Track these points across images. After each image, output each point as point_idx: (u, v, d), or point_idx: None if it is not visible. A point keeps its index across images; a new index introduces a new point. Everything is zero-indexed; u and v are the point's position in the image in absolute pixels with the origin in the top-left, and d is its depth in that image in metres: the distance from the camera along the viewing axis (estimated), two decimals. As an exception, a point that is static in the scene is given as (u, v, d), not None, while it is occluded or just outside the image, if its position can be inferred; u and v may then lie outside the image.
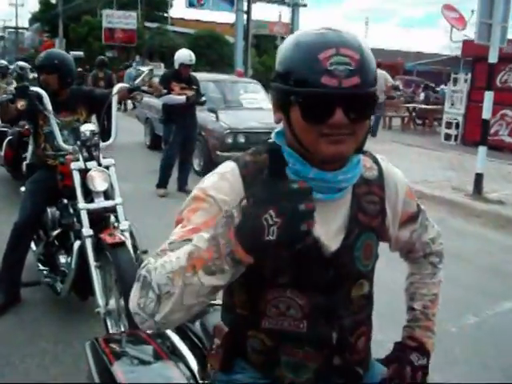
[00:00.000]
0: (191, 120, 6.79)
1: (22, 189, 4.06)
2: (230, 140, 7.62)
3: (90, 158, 2.99)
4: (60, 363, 2.99)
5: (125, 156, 7.52)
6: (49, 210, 3.33)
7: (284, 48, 1.12)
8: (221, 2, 19.57)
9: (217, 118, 7.62)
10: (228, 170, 1.19)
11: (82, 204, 2.90)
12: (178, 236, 1.11)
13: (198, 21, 37.93)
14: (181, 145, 6.75)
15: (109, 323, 2.90)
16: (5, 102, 3.11)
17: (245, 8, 19.77)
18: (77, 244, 3.06)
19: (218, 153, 7.64)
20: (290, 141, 1.15)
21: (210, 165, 7.84)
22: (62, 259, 3.31)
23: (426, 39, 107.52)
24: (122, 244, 2.73)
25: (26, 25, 56.81)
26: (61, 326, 3.39)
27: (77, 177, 2.93)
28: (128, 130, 10.12)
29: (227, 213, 0.98)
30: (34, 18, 46.27)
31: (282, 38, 33.89)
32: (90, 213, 2.91)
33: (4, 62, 12.18)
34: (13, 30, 59.34)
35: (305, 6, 30.16)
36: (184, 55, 6.72)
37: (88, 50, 32.48)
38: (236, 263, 0.96)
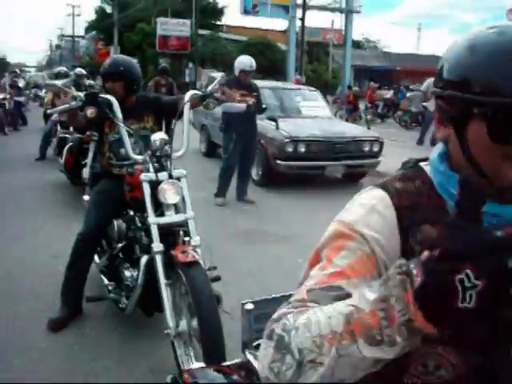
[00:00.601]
0: (252, 128, 6.61)
1: (85, 197, 3.98)
2: (290, 149, 7.41)
3: (161, 168, 2.82)
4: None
5: (180, 164, 7.42)
6: (115, 222, 3.18)
7: (453, 53, 0.88)
8: (275, 9, 19.41)
9: (277, 126, 7.43)
10: (377, 201, 0.95)
11: (152, 218, 2.73)
12: (318, 281, 0.88)
13: (250, 28, 38.05)
14: (241, 153, 6.59)
15: (177, 345, 2.71)
16: (74, 109, 2.99)
17: (299, 15, 19.66)
18: (144, 259, 2.90)
19: (278, 162, 7.44)
20: (459, 164, 0.91)
21: (268, 174, 7.67)
22: (127, 273, 3.15)
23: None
24: (196, 263, 2.54)
25: (82, 33, 58.42)
26: (124, 343, 3.25)
27: (147, 189, 2.76)
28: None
29: (402, 268, 0.73)
30: (90, 27, 47.54)
31: (335, 45, 33.78)
32: (159, 227, 2.74)
33: (64, 69, 12.44)
34: (69, 38, 61.14)
35: (358, 12, 29.89)
36: (245, 62, 6.56)
37: (142, 57, 32.98)
38: (413, 334, 0.73)
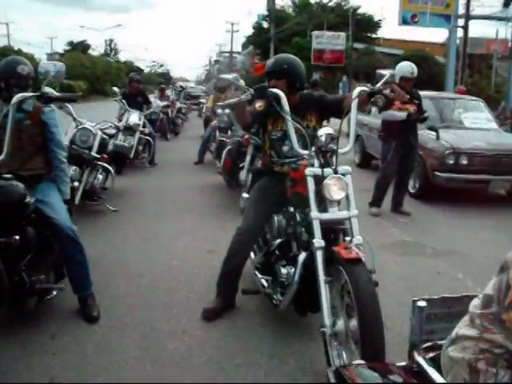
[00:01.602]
0: (412, 137, 6.33)
1: (244, 195, 4.05)
2: (451, 160, 6.97)
3: (326, 164, 2.76)
4: (275, 380, 2.81)
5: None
6: (275, 217, 3.20)
7: None
8: (436, 18, 18.60)
9: (437, 136, 7.05)
10: None
11: (314, 213, 2.67)
12: None
13: (406, 41, 37.09)
14: (399, 163, 6.34)
15: (330, 345, 2.61)
16: (243, 102, 3.05)
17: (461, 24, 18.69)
18: (302, 256, 2.86)
19: (437, 174, 7.05)
20: None
21: (426, 186, 7.31)
22: (283, 270, 3.13)
23: None
24: (360, 261, 2.43)
25: (239, 49, 61.17)
26: (275, 339, 3.24)
27: (311, 183, 2.72)
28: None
29: None
30: (247, 42, 49.57)
31: (498, 58, 31.57)
32: (321, 223, 2.67)
33: (227, 75, 13.04)
34: (227, 54, 64.37)
35: (528, 21, 27.67)
36: (405, 68, 6.33)
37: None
38: None
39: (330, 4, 34.51)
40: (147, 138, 8.98)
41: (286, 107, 2.95)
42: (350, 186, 2.72)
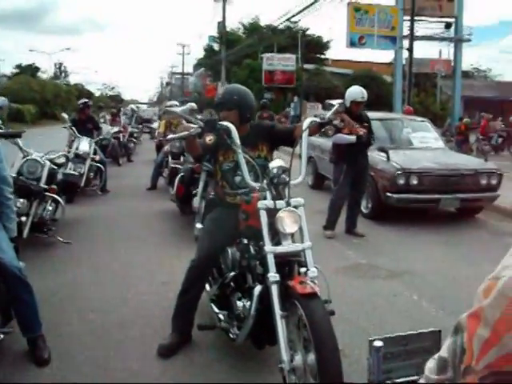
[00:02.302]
0: (363, 160, 6.45)
1: (198, 226, 3.99)
2: (401, 181, 7.12)
3: (279, 196, 2.75)
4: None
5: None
6: (229, 250, 3.16)
7: None
8: (382, 40, 19.17)
9: (387, 157, 7.19)
10: None
11: (269, 247, 2.65)
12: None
13: (354, 61, 37.99)
14: (351, 185, 6.42)
15: (288, 381, 2.57)
16: (193, 136, 3.02)
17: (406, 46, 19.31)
18: (258, 289, 2.82)
19: (389, 194, 7.18)
20: None
21: (378, 207, 7.41)
22: (239, 303, 3.08)
23: None
24: (315, 295, 2.42)
25: (191, 70, 61.29)
26: (232, 375, 3.17)
27: (264, 216, 2.70)
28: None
29: None
30: (198, 64, 49.80)
31: (442, 76, 32.72)
32: (275, 256, 2.65)
33: (175, 102, 13.07)
34: (179, 75, 64.39)
35: (469, 40, 28.80)
36: (356, 92, 6.45)
37: (248, 91, 33.85)
38: None
39: (279, 27, 35.01)
40: (98, 164, 8.81)
41: (237, 140, 2.94)
42: (303, 218, 2.71)
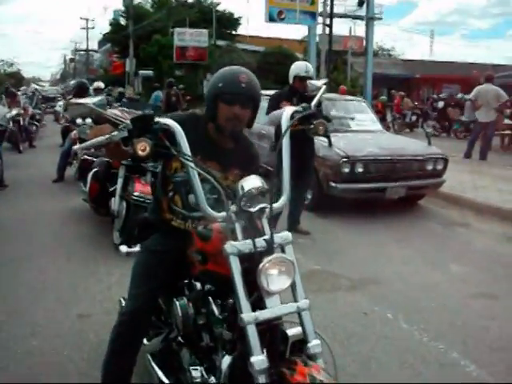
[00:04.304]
0: (308, 147, 5.62)
1: (123, 249, 2.95)
2: (346, 170, 6.39)
3: (253, 230, 1.82)
4: None
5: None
6: (177, 303, 2.14)
7: None
8: (303, 16, 18.45)
9: (329, 143, 6.37)
10: None
11: (247, 315, 1.70)
12: None
13: (266, 38, 37.34)
14: (294, 177, 5.56)
15: None
16: (112, 145, 1.98)
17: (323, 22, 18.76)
18: (226, 362, 1.91)
19: (333, 184, 6.44)
20: None
21: (320, 198, 6.68)
22: (195, 373, 2.13)
23: (494, 51, 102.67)
24: None
25: (96, 46, 58.00)
26: None
27: (237, 267, 1.75)
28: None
29: None
30: (104, 40, 46.98)
31: (352, 54, 32.79)
32: (257, 324, 1.73)
33: (84, 81, 11.74)
34: (83, 52, 60.75)
35: (380, 19, 28.91)
36: (299, 66, 5.65)
37: (158, 68, 32.27)
38: None
39: (189, 0, 33.52)
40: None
41: (185, 146, 1.95)
42: (295, 265, 1.79)
